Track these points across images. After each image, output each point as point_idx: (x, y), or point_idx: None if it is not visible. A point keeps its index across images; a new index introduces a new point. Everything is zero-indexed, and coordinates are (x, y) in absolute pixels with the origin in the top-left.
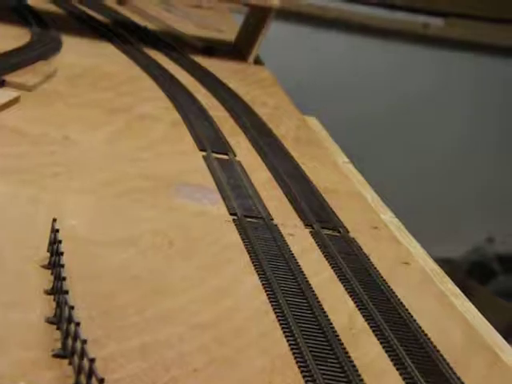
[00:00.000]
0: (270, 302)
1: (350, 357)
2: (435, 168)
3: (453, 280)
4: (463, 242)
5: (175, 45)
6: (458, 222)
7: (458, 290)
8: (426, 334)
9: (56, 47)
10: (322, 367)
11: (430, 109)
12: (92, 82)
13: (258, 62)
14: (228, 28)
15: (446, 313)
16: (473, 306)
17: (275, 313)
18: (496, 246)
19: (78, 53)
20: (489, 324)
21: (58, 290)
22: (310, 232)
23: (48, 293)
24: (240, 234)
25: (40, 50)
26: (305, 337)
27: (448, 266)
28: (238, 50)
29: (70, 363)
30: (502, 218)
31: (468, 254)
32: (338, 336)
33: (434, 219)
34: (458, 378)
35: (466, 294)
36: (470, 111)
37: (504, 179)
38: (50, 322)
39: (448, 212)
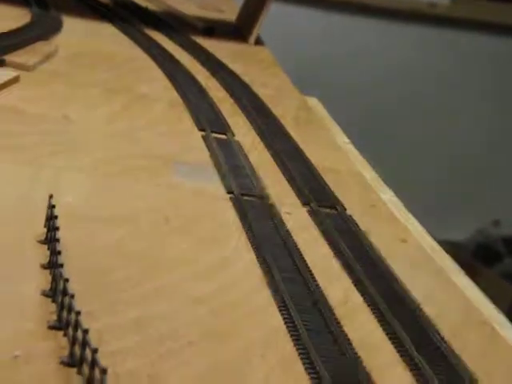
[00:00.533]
0: (266, 278)
1: (344, 331)
2: (442, 149)
3: (458, 262)
4: (469, 225)
5: (176, 25)
6: (463, 204)
7: (456, 267)
8: (421, 309)
9: (56, 27)
10: (316, 340)
11: (442, 91)
12: (92, 62)
13: (258, 42)
14: (229, 8)
15: (443, 289)
16: (471, 283)
17: (270, 288)
18: (502, 229)
19: (78, 33)
20: (486, 300)
21: (53, 264)
22: (308, 211)
23: (44, 267)
24: (237, 212)
25: (40, 30)
26: (299, 311)
27: (453, 248)
28: (239, 30)
29: (65, 335)
30: (509, 200)
31: (473, 236)
32: (332, 310)
33: (439, 201)
34: (453, 351)
35: (471, 276)
36: (484, 93)
37: (508, 159)
38: (45, 295)
39: (454, 194)
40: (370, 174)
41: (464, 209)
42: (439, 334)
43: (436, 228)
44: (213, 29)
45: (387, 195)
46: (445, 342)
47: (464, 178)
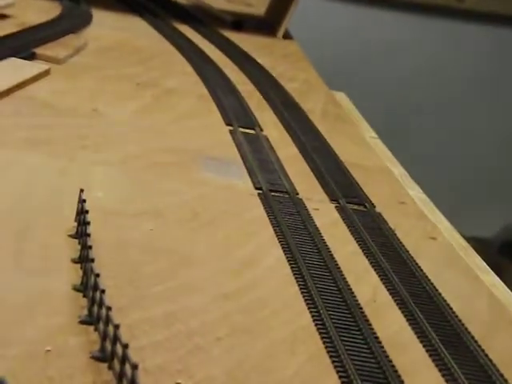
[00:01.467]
0: (294, 274)
1: (372, 329)
2: (467, 147)
3: (484, 258)
4: (495, 222)
5: (204, 19)
6: (489, 202)
7: (485, 265)
8: (451, 308)
9: (86, 21)
10: (345, 338)
11: (468, 86)
12: (121, 55)
13: (287, 36)
14: (257, 2)
15: (472, 287)
16: (500, 281)
17: (299, 285)
18: None
19: (107, 27)
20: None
21: (84, 259)
22: (336, 207)
23: (75, 261)
24: (265, 208)
25: (70, 23)
26: (328, 308)
27: (479, 244)
28: (268, 24)
29: (96, 329)
30: None
31: (499, 233)
32: (361, 308)
33: (465, 198)
34: (483, 351)
35: (497, 272)
36: (500, 84)
37: None
38: (76, 289)
39: (479, 191)
40: (397, 170)
41: (490, 206)
42: (469, 334)
43: (462, 225)
44: (241, 22)
45: (415, 191)
46: (475, 342)
47: (490, 175)
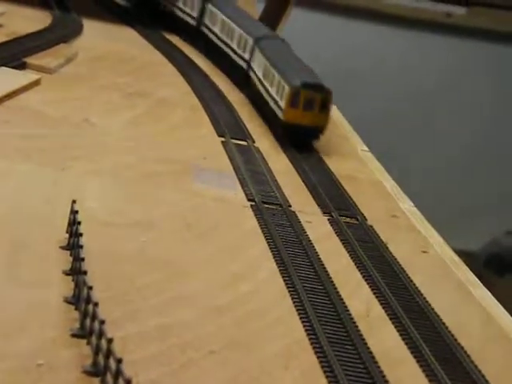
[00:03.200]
0: (287, 287)
1: (366, 344)
2: (456, 159)
3: (470, 271)
4: (482, 235)
5: (196, 30)
6: (477, 214)
7: (475, 279)
8: (443, 323)
9: (77, 30)
10: (338, 353)
11: (453, 98)
12: (112, 65)
13: None
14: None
15: (463, 301)
16: (490, 295)
17: (292, 298)
18: None
19: (98, 36)
20: (506, 312)
21: (76, 271)
22: (328, 219)
23: (67, 273)
24: (258, 220)
25: (61, 32)
26: (321, 323)
27: (466, 257)
28: None
29: (88, 343)
30: None
31: (486, 246)
32: (354, 323)
33: (454, 211)
34: (476, 367)
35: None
36: (492, 101)
37: None
38: (68, 302)
39: (468, 204)
40: (388, 183)
41: (477, 219)
42: (461, 348)
43: (449, 238)
44: None
45: (406, 204)
46: (467, 357)
47: (477, 189)
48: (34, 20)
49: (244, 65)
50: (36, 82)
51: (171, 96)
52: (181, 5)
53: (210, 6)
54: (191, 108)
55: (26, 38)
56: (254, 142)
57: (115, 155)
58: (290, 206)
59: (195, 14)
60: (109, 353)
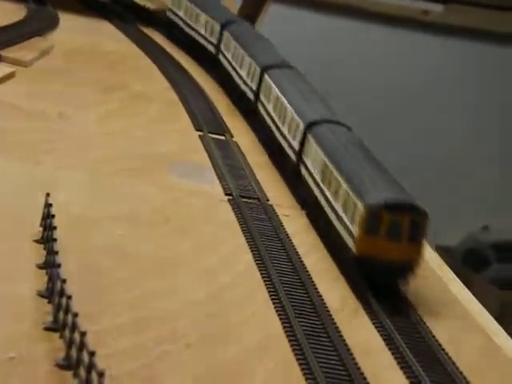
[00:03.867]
0: (264, 281)
1: (342, 336)
2: (434, 155)
3: (448, 267)
4: (460, 230)
5: (173, 25)
6: (454, 210)
7: (453, 276)
8: (419, 315)
9: (52, 23)
10: (314, 345)
11: (434, 96)
12: (88, 59)
13: None
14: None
15: (440, 296)
16: (467, 291)
17: (269, 292)
18: (491, 235)
19: (74, 30)
20: (481, 306)
21: (50, 264)
22: (306, 214)
23: (40, 267)
24: (235, 214)
25: (36, 25)
26: (297, 316)
27: (445, 253)
28: None
29: (61, 336)
30: (499, 206)
31: (463, 242)
32: (330, 315)
33: (432, 207)
34: (450, 358)
35: (461, 282)
36: (472, 98)
37: (503, 169)
38: (41, 295)
39: (446, 200)
40: None
41: (454, 215)
42: (436, 341)
43: (428, 233)
44: None
45: None
46: (442, 349)
47: (456, 184)
48: (9, 13)
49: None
50: (11, 75)
51: (148, 90)
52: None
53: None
54: (168, 102)
55: (1, 31)
56: (232, 136)
57: (91, 149)
58: (268, 199)
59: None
60: (82, 346)
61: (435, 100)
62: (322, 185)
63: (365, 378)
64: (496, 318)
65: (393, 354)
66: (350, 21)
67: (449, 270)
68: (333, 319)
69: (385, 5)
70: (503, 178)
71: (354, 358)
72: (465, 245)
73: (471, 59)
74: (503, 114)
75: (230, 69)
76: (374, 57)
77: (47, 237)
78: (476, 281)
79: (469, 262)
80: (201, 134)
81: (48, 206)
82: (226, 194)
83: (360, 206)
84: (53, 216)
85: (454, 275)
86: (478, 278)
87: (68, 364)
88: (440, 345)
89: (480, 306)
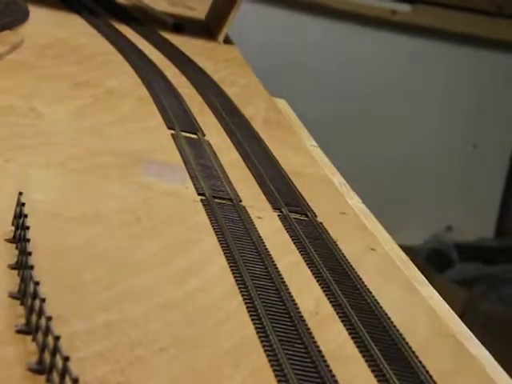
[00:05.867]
0: (238, 284)
1: (315, 342)
2: (398, 156)
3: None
4: (423, 230)
5: (145, 20)
6: (418, 210)
7: (422, 277)
8: (391, 321)
9: (23, 17)
10: (288, 351)
11: (399, 96)
12: (59, 54)
13: (227, 41)
14: (199, 6)
15: (410, 299)
16: (436, 293)
17: (242, 295)
18: (454, 235)
19: (45, 24)
20: (452, 311)
21: (22, 265)
22: (278, 215)
23: (12, 267)
24: (208, 215)
25: (6, 19)
26: (271, 320)
27: (409, 252)
28: (208, 28)
29: (34, 340)
30: (461, 206)
31: (427, 242)
32: (304, 320)
33: (395, 206)
34: (423, 366)
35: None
36: (439, 99)
37: (467, 168)
38: (13, 297)
39: (409, 199)
40: (337, 179)
41: (418, 214)
42: (409, 348)
43: (391, 233)
44: (183, 25)
45: (354, 201)
46: (415, 357)
47: (419, 184)
48: None
49: None
50: None
51: (120, 87)
52: None
53: None
54: (140, 99)
55: None
56: (204, 135)
57: (63, 146)
58: (241, 200)
59: None
60: (55, 350)
61: (401, 99)
62: None
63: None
64: (460, 317)
65: (366, 361)
66: (319, 19)
67: (419, 272)
68: (306, 324)
69: (353, 4)
70: (466, 178)
71: (328, 365)
72: (428, 244)
73: (441, 60)
74: (469, 114)
75: None
76: (337, 55)
77: (19, 236)
78: (440, 280)
79: (432, 262)
80: (173, 132)
81: (20, 204)
82: (199, 194)
83: None
84: (25, 216)
85: (424, 278)
86: (442, 277)
87: (41, 368)
88: (413, 351)
89: (451, 310)
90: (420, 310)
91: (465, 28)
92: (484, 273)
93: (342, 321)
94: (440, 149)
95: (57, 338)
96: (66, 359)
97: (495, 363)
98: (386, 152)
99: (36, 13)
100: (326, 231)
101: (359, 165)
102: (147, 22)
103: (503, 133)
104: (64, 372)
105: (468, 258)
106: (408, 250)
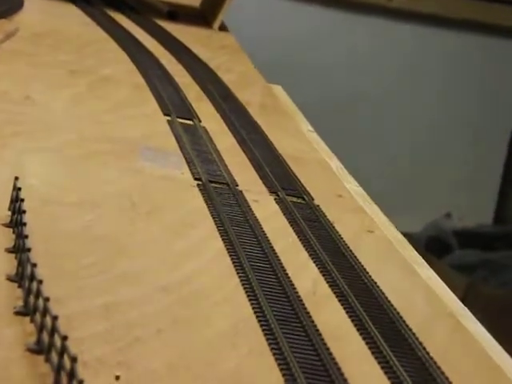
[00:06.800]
0: (235, 266)
1: (313, 321)
2: (398, 144)
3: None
4: (422, 218)
5: (139, 8)
6: (417, 197)
7: (420, 259)
8: (389, 301)
9: (17, 5)
10: (286, 331)
11: (399, 84)
12: (54, 42)
13: (222, 28)
14: None
15: (408, 280)
16: (435, 274)
17: (239, 277)
18: (453, 222)
19: (40, 12)
20: (450, 291)
21: (19, 248)
22: (275, 199)
23: (9, 251)
24: (204, 199)
25: (0, 8)
26: (268, 301)
27: (408, 239)
28: (203, 15)
29: (32, 321)
30: (460, 193)
31: (426, 229)
32: (301, 301)
33: (393, 193)
34: (421, 344)
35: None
36: (438, 86)
37: (466, 155)
38: (11, 280)
39: (407, 186)
40: (334, 163)
41: (417, 201)
42: (407, 326)
43: (390, 220)
44: (177, 13)
45: (351, 184)
46: (413, 334)
47: (418, 171)
48: None
49: None
50: None
51: (115, 74)
52: None
53: None
54: (136, 86)
55: None
56: (200, 121)
57: (58, 133)
58: (237, 185)
59: None
60: (53, 330)
61: (401, 86)
62: None
63: (336, 363)
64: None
65: (364, 338)
66: (318, 8)
67: (417, 254)
68: (304, 304)
69: None
70: (465, 165)
71: (325, 344)
72: (427, 232)
73: (443, 48)
74: (470, 102)
75: None
76: (333, 43)
77: (16, 221)
78: (440, 266)
79: (431, 249)
80: (169, 118)
81: (17, 189)
82: (195, 179)
83: None
84: (22, 200)
85: (422, 259)
86: (442, 263)
87: (40, 348)
88: (411, 329)
89: (449, 290)
90: (418, 289)
91: (463, 14)
92: (483, 259)
93: (340, 300)
94: (439, 136)
95: (55, 318)
96: (64, 338)
97: (493, 341)
98: (385, 140)
99: (31, 2)
100: (323, 214)
101: (358, 153)
102: (142, 10)
103: (503, 120)
104: (62, 351)
105: (467, 245)
106: (408, 237)
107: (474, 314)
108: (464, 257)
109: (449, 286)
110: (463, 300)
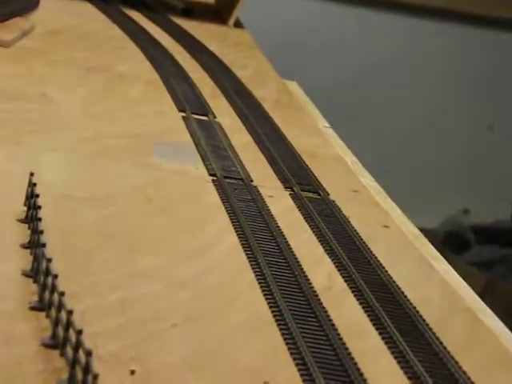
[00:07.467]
0: (249, 261)
1: (329, 316)
2: (412, 136)
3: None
4: (439, 213)
5: (154, 5)
6: (434, 193)
7: (437, 253)
8: (405, 296)
9: (34, 3)
10: (302, 326)
11: (404, 75)
12: (70, 40)
13: (238, 24)
14: None
15: (425, 275)
16: (451, 268)
17: (254, 272)
18: (471, 217)
19: (56, 10)
20: (467, 286)
21: (35, 244)
22: (290, 194)
23: (25, 247)
24: (219, 195)
25: (17, 5)
26: (284, 296)
27: (424, 235)
28: (218, 12)
29: (47, 316)
30: (479, 188)
31: (443, 225)
32: (317, 296)
33: (410, 189)
34: (437, 338)
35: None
36: (444, 78)
37: (482, 150)
38: (26, 275)
39: (424, 182)
40: (350, 159)
41: (435, 197)
42: (423, 321)
43: (407, 215)
44: (192, 9)
45: (366, 179)
46: (429, 329)
47: (434, 167)
48: None
49: None
50: None
51: (131, 71)
52: None
53: None
54: (151, 83)
55: None
56: (215, 117)
57: (74, 130)
58: (252, 180)
59: None
60: (68, 325)
61: (413, 78)
62: None
63: (352, 358)
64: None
65: (380, 334)
66: (330, 3)
67: (433, 248)
68: (320, 299)
69: None
70: (482, 160)
71: (341, 339)
72: (445, 227)
73: (447, 40)
74: (484, 95)
75: None
76: (344, 37)
77: (31, 216)
78: (458, 262)
79: (449, 245)
80: (184, 114)
81: (32, 185)
82: (210, 175)
83: None
84: (37, 196)
85: (439, 254)
86: (460, 259)
87: (55, 343)
88: (428, 324)
89: (467, 285)
90: (435, 284)
91: (473, 8)
92: (502, 255)
93: (356, 295)
94: (455, 130)
95: (70, 313)
96: (79, 332)
97: (511, 334)
98: (399, 134)
99: (46, 0)
100: (339, 209)
101: (370, 145)
102: (157, 7)
103: None
104: (77, 345)
105: (485, 241)
106: (424, 233)
107: (493, 311)
108: (482, 253)
109: (467, 283)
110: (482, 297)
